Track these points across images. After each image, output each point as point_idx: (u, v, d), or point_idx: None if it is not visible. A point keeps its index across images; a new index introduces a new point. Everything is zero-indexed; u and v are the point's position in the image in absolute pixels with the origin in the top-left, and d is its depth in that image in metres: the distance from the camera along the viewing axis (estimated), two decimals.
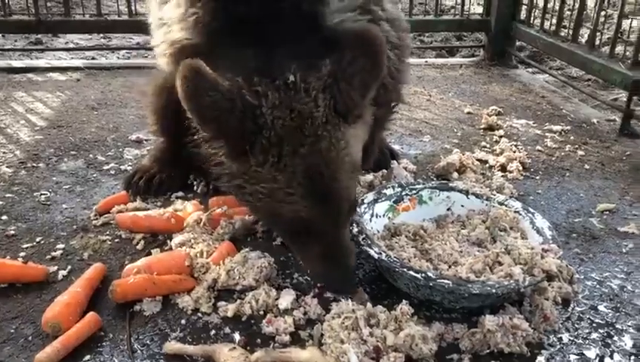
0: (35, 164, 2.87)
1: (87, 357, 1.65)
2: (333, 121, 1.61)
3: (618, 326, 1.89)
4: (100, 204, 2.45)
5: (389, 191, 2.30)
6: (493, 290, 1.78)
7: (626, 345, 1.80)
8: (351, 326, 1.68)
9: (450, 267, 1.97)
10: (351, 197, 1.77)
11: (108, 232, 2.28)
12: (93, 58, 5.18)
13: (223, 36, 1.68)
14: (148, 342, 1.72)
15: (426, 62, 5.20)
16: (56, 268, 2.04)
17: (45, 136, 3.23)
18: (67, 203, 2.51)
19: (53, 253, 2.13)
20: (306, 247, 1.79)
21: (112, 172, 2.83)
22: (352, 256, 1.81)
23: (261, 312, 1.83)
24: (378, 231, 2.16)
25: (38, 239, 2.22)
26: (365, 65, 1.60)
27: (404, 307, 1.79)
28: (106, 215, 2.39)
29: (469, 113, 3.93)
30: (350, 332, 1.67)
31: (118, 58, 5.31)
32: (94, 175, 2.80)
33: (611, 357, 1.75)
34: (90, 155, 3.01)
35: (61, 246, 2.18)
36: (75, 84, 4.23)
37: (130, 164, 2.91)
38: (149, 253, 2.12)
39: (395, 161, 2.82)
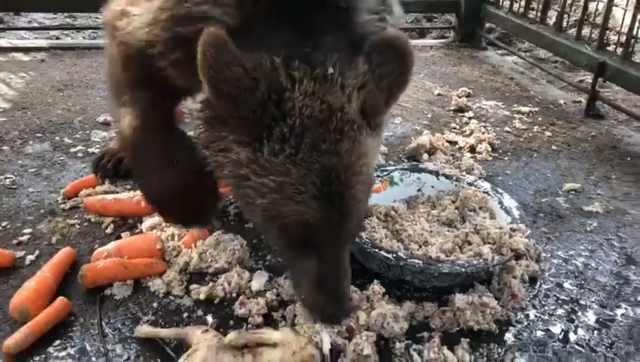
0: None
1: (57, 342, 1.63)
2: (359, 123, 1.50)
3: (582, 302, 1.94)
4: (68, 187, 2.40)
5: None
6: (463, 269, 1.81)
7: (589, 320, 1.86)
8: None
9: (420, 247, 2.00)
10: (361, 215, 1.61)
11: (76, 216, 2.25)
12: (57, 38, 5.04)
13: (260, 17, 1.52)
14: (119, 326, 1.71)
15: None
16: (23, 253, 2.00)
17: (9, 118, 3.15)
18: (34, 186, 2.46)
19: (20, 238, 2.09)
20: (301, 263, 1.58)
21: (80, 155, 2.78)
22: (348, 282, 1.61)
23: (234, 294, 1.84)
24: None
25: (4, 224, 2.17)
26: (394, 71, 1.52)
27: (376, 287, 1.81)
28: (74, 198, 2.35)
29: (439, 95, 3.96)
30: None
31: (84, 38, 5.17)
32: (61, 158, 2.74)
33: (575, 332, 1.80)
34: (57, 138, 2.94)
35: (28, 230, 2.14)
36: (39, 64, 4.12)
37: (97, 146, 2.86)
38: (119, 237, 2.10)
39: None
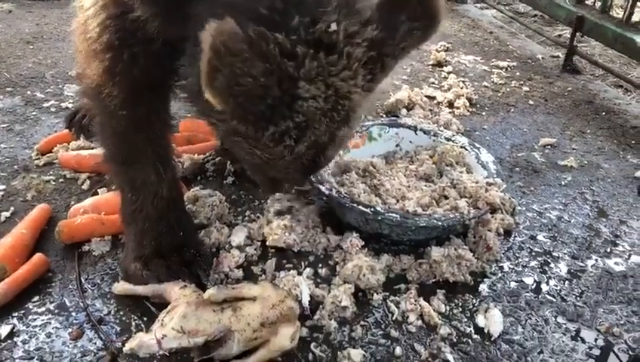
0: None
1: (36, 298, 1.63)
2: (367, 87, 1.32)
3: (555, 254, 2.00)
4: (42, 143, 2.36)
5: None
6: (439, 223, 1.84)
7: (561, 271, 1.92)
8: None
9: (398, 201, 2.02)
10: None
11: (51, 172, 2.22)
12: None
13: None
14: (98, 281, 1.71)
15: None
16: None
17: None
18: (6, 142, 2.41)
19: None
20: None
21: (53, 110, 2.72)
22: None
23: (213, 250, 1.84)
24: (329, 168, 2.17)
25: None
26: (416, 41, 1.31)
27: (354, 240, 1.83)
28: (48, 154, 2.31)
29: (417, 49, 3.92)
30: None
31: None
32: (34, 113, 2.68)
33: (547, 282, 1.86)
34: (28, 92, 2.87)
35: (2, 187, 2.10)
36: (6, 15, 3.97)
37: (71, 101, 2.79)
38: (96, 193, 2.08)
39: None
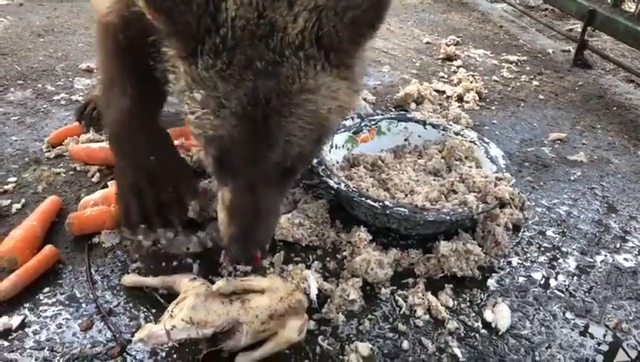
0: None
1: (47, 289, 1.65)
2: (310, 52, 1.33)
3: (564, 249, 1.99)
4: (52, 135, 2.37)
5: (348, 123, 2.30)
6: (448, 217, 1.83)
7: (569, 266, 1.91)
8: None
9: (406, 196, 2.02)
10: (290, 152, 1.41)
11: (62, 165, 2.23)
12: None
13: None
14: (108, 273, 1.73)
15: None
16: (9, 201, 1.99)
17: None
18: (17, 135, 2.43)
19: (5, 186, 2.07)
20: (221, 188, 1.50)
21: (63, 102, 2.73)
22: (262, 219, 1.46)
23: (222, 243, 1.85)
24: (337, 162, 2.17)
25: None
26: (363, 4, 1.31)
27: (362, 234, 1.83)
28: (58, 147, 2.33)
29: (427, 43, 3.91)
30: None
31: None
32: (44, 105, 2.69)
33: (556, 278, 1.85)
34: (39, 85, 2.88)
35: (13, 179, 2.12)
36: (17, 9, 3.99)
37: (81, 94, 2.81)
38: (106, 186, 2.09)
39: None
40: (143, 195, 1.80)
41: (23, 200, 2.01)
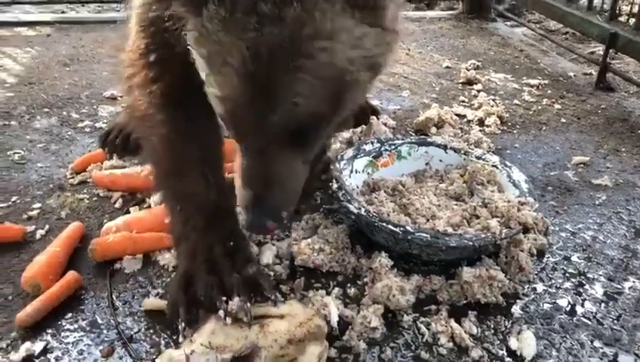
0: (7, 123, 2.80)
1: (69, 315, 1.66)
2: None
3: (590, 275, 1.95)
4: (76, 162, 2.41)
5: (368, 147, 2.30)
6: (471, 243, 1.81)
7: (596, 293, 1.87)
8: None
9: (428, 221, 2.00)
10: (302, 119, 1.28)
11: (85, 191, 2.26)
12: (62, 12, 5.01)
13: None
14: (129, 299, 1.73)
15: (405, 15, 5.13)
16: (33, 227, 2.02)
17: (16, 93, 3.15)
18: (42, 161, 2.47)
19: (30, 213, 2.10)
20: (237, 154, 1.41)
21: (87, 130, 2.78)
22: (274, 186, 1.37)
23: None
24: (357, 187, 2.17)
25: (13, 198, 2.19)
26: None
27: (383, 260, 1.81)
28: (82, 173, 2.36)
29: (447, 67, 3.92)
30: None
31: (89, 12, 5.14)
32: (69, 133, 2.74)
33: (582, 305, 1.81)
34: (64, 113, 2.94)
35: (38, 205, 2.15)
36: (45, 39, 4.11)
37: (105, 121, 2.86)
38: (128, 212, 2.11)
39: (374, 117, 2.81)
40: (195, 282, 1.56)
41: (47, 226, 2.03)
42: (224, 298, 1.46)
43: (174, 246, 1.74)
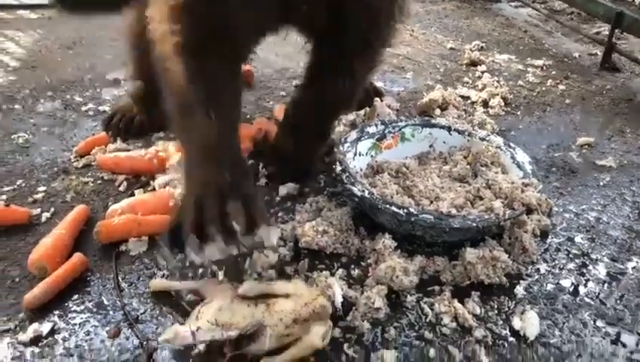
0: (10, 106, 2.80)
1: (76, 296, 1.67)
2: None
3: (593, 256, 1.95)
4: (80, 145, 2.41)
5: (372, 130, 2.30)
6: (474, 224, 1.81)
7: (600, 273, 1.87)
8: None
9: (431, 202, 2.00)
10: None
11: (89, 174, 2.27)
12: None
13: None
14: (135, 280, 1.75)
15: None
16: (39, 210, 2.03)
17: (19, 76, 3.14)
18: (46, 145, 2.48)
19: (35, 196, 2.11)
20: None
21: (91, 113, 2.78)
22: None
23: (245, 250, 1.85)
24: (361, 170, 2.17)
25: (18, 182, 2.19)
26: None
27: (387, 241, 1.82)
28: (86, 156, 2.37)
29: (451, 49, 3.89)
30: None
31: None
32: (73, 116, 2.74)
33: (585, 285, 1.82)
34: (68, 96, 2.94)
35: (43, 188, 2.16)
36: (47, 22, 4.09)
37: (108, 104, 2.86)
38: (133, 194, 2.12)
39: (378, 99, 2.80)
40: (206, 207, 1.55)
41: (52, 209, 2.04)
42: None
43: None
